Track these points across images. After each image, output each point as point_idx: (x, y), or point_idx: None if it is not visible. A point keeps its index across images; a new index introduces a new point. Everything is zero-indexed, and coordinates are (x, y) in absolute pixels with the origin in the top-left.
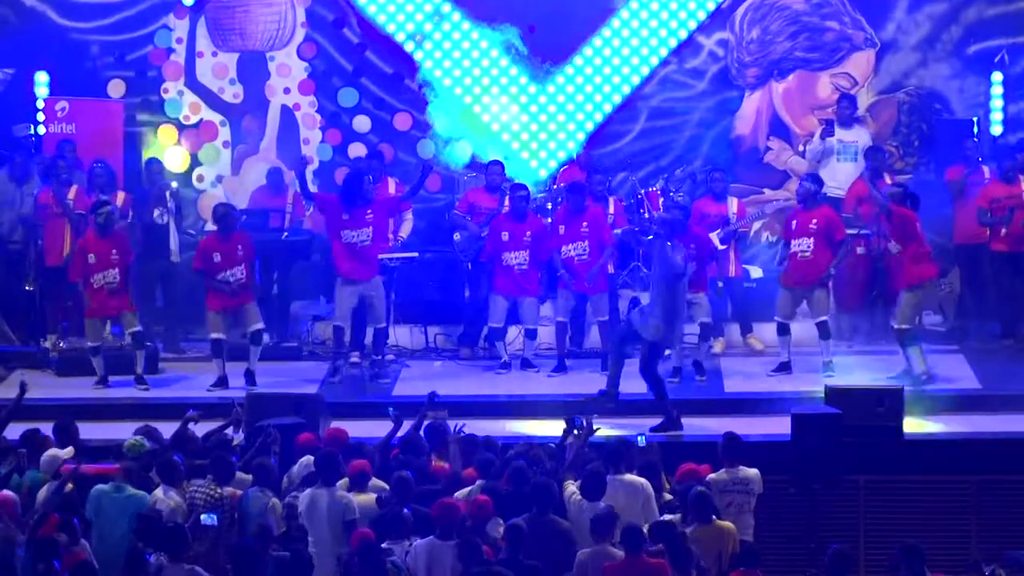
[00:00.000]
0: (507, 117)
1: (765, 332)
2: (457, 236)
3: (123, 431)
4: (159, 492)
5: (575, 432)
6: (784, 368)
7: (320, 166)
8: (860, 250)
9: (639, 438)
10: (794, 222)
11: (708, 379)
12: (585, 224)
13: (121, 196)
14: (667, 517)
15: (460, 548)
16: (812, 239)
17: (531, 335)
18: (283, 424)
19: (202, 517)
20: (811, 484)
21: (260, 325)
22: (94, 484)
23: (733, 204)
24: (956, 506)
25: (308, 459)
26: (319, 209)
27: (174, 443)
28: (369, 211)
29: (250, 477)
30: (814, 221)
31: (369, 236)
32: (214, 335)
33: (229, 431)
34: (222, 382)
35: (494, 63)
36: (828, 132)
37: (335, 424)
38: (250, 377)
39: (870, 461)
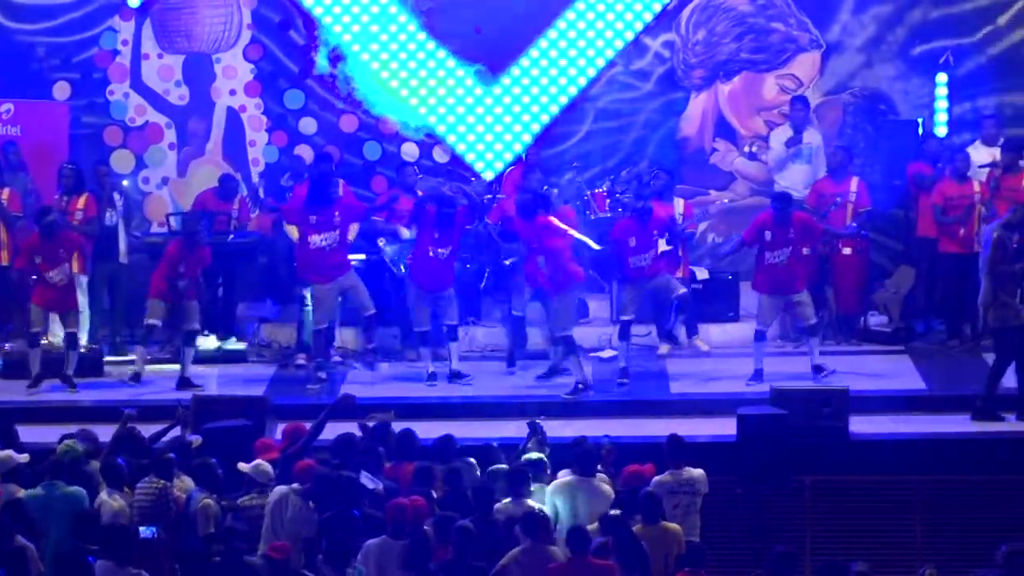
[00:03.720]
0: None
1: (711, 332)
2: (382, 241)
3: (60, 434)
4: (104, 495)
5: (536, 438)
6: (759, 377)
7: (266, 168)
8: (847, 251)
9: (605, 441)
10: (768, 234)
11: (653, 381)
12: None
13: (84, 198)
14: (614, 512)
15: (409, 548)
16: (789, 248)
17: (452, 334)
18: (230, 426)
19: (141, 530)
20: (757, 485)
21: (196, 326)
22: None
23: (679, 205)
24: (901, 506)
25: None
26: (286, 218)
27: (117, 444)
28: (336, 213)
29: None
30: (791, 231)
31: (336, 239)
32: (150, 320)
33: (175, 432)
34: (135, 377)
35: (440, 64)
36: (795, 141)
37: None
38: (185, 384)
39: (816, 462)
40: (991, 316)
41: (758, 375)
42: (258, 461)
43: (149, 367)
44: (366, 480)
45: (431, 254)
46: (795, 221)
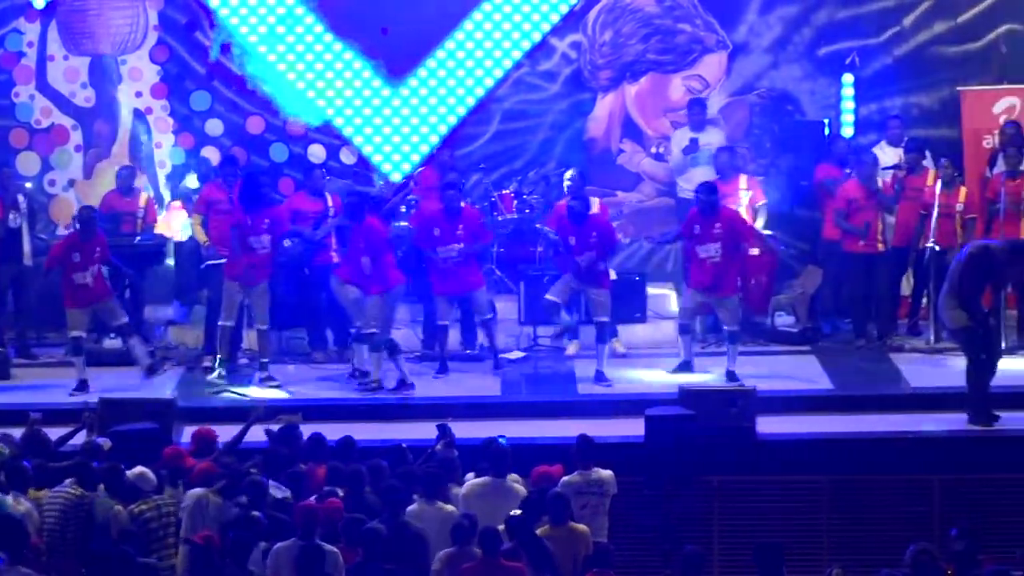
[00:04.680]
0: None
1: (624, 333)
2: (287, 243)
3: None
4: (8, 498)
5: (444, 440)
6: (686, 367)
7: (172, 170)
8: (754, 251)
9: (500, 439)
10: (696, 227)
11: (561, 382)
12: (461, 227)
13: None
14: (515, 512)
15: (301, 552)
16: (719, 244)
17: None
18: (137, 429)
19: None
20: (665, 485)
21: (125, 319)
22: None
23: (595, 205)
24: (809, 506)
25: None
26: (236, 227)
27: (25, 448)
28: (266, 220)
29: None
30: (718, 225)
31: (267, 244)
32: (73, 333)
33: (82, 435)
34: (83, 386)
35: (348, 65)
36: (691, 149)
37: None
38: (150, 372)
39: (723, 462)
40: (948, 318)
41: (685, 366)
42: (141, 469)
43: (54, 371)
44: (275, 490)
45: None
46: (723, 216)
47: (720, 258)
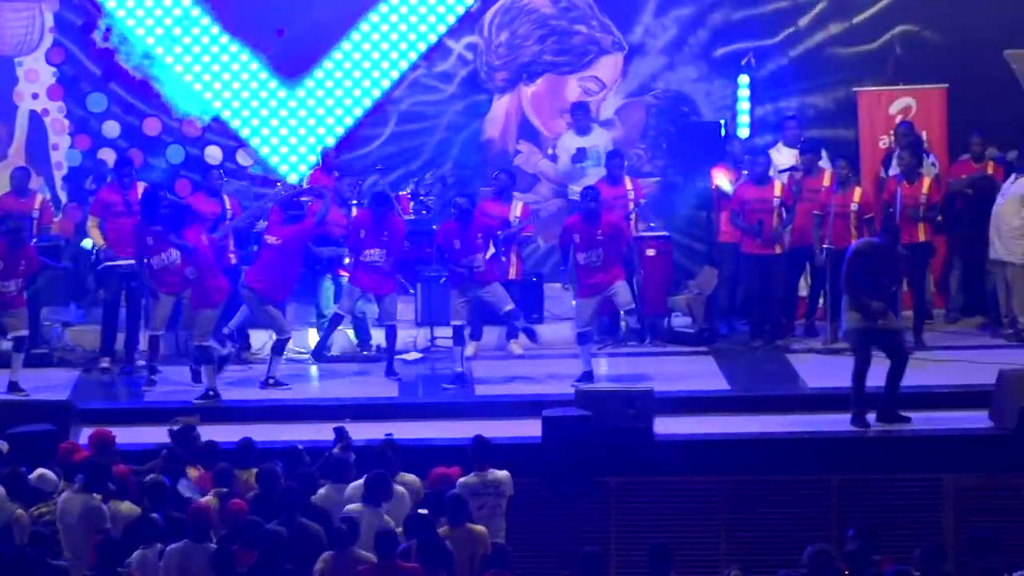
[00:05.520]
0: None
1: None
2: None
3: None
4: None
5: (341, 443)
6: (588, 378)
7: (69, 172)
8: (651, 252)
9: (389, 435)
10: (576, 236)
11: (459, 384)
12: (386, 233)
13: None
14: (422, 511)
15: (215, 555)
16: (601, 249)
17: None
18: (34, 431)
19: None
20: (562, 486)
21: (24, 332)
22: None
23: (517, 207)
24: (706, 507)
25: None
26: (130, 241)
27: None
28: (172, 234)
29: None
30: (599, 232)
31: (176, 257)
32: None
33: None
34: None
35: (244, 67)
36: (579, 158)
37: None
38: (13, 387)
39: (620, 462)
40: (844, 319)
41: (587, 376)
42: (41, 471)
43: None
44: (183, 489)
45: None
46: (604, 222)
47: (602, 262)
